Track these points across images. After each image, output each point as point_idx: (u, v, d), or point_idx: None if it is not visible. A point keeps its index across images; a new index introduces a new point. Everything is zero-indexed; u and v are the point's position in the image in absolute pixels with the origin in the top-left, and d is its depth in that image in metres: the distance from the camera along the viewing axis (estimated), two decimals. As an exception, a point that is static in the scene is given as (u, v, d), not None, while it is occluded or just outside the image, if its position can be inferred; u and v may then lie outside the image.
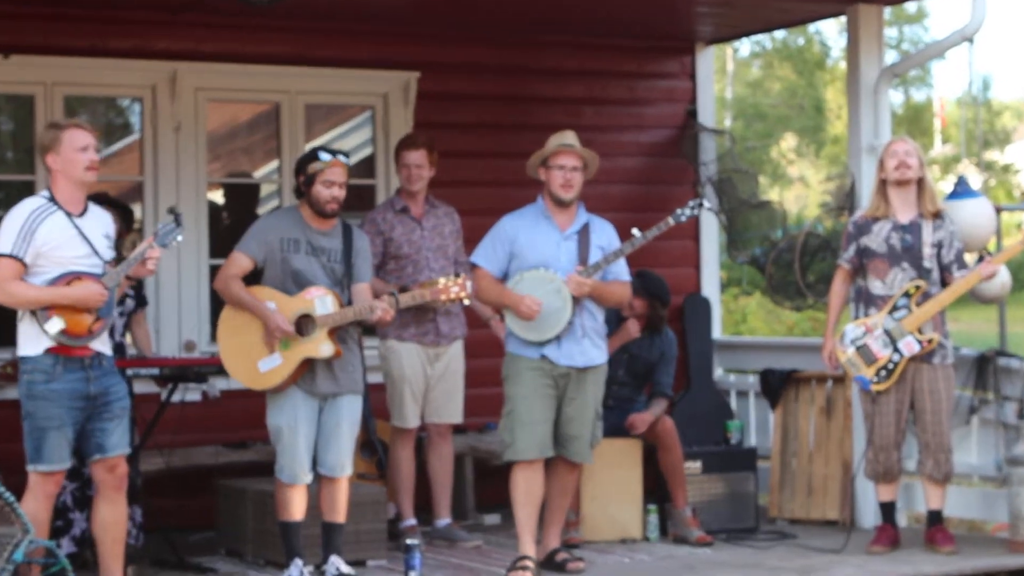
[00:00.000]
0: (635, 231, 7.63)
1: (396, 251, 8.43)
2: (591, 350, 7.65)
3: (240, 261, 7.37)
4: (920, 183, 8.21)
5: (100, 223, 6.68)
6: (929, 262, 8.11)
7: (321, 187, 7.35)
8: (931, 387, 8.12)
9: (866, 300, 8.22)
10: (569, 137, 7.74)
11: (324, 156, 7.39)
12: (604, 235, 7.74)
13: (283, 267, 7.33)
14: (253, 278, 7.46)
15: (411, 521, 8.45)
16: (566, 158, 7.65)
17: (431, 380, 8.51)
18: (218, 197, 10.06)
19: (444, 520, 8.66)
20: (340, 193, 7.37)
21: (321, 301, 7.23)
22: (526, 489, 7.58)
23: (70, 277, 6.48)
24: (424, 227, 8.54)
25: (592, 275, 7.56)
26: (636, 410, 8.75)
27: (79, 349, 6.50)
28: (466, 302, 7.40)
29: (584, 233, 7.68)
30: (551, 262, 7.59)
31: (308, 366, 7.23)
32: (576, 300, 7.53)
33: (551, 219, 7.68)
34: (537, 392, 7.56)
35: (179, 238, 6.77)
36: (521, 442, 7.56)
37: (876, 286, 8.18)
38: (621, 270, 7.74)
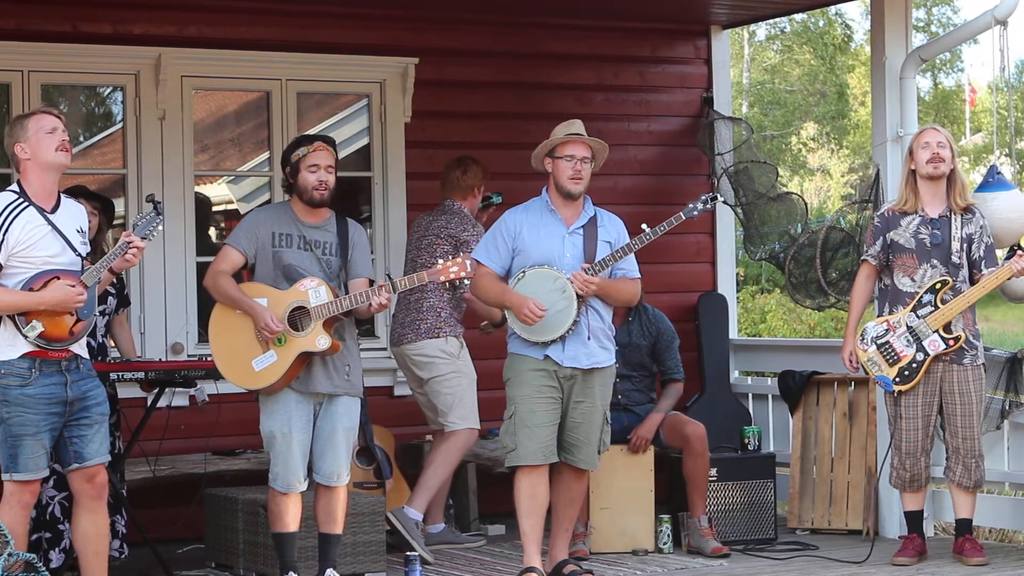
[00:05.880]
0: (645, 226, 7.62)
1: None
2: (598, 352, 7.67)
3: (230, 256, 7.39)
4: (950, 175, 8.23)
5: (73, 217, 6.67)
6: (958, 257, 8.14)
7: (306, 173, 7.37)
8: (961, 389, 8.15)
9: (892, 298, 8.25)
10: (577, 126, 7.74)
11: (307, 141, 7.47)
12: (612, 229, 7.75)
13: (275, 262, 7.34)
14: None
15: (419, 516, 8.56)
16: (575, 148, 7.65)
17: None
18: (223, 191, 10.12)
19: (438, 525, 8.83)
20: (328, 177, 7.37)
21: (315, 292, 7.24)
22: (531, 496, 7.61)
23: (47, 277, 6.45)
24: None
25: (599, 273, 7.58)
26: (648, 411, 8.80)
27: (57, 351, 6.52)
28: (467, 282, 7.40)
29: (591, 227, 7.69)
30: (556, 259, 7.59)
31: (305, 362, 7.25)
32: (581, 299, 7.55)
33: (556, 213, 7.69)
34: (541, 394, 7.59)
35: (160, 228, 6.78)
36: (524, 447, 7.59)
37: (905, 283, 8.20)
38: (630, 266, 7.75)
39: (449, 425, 8.70)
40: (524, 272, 7.58)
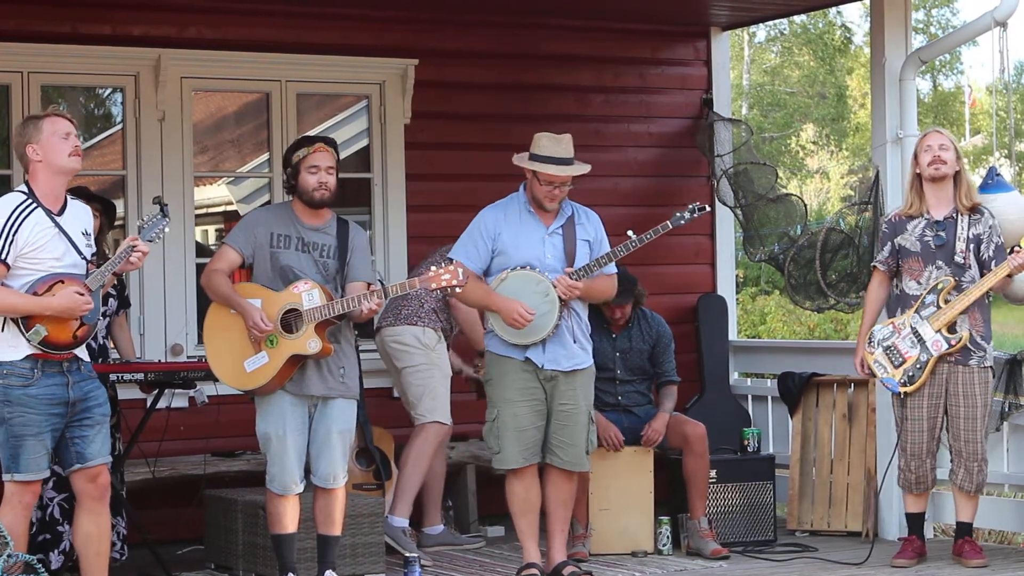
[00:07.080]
0: (631, 233, 7.63)
1: None
2: (578, 353, 7.70)
3: (227, 255, 7.39)
4: (956, 176, 8.23)
5: (79, 219, 6.66)
6: (962, 258, 8.12)
7: (306, 174, 7.36)
8: (965, 391, 8.13)
9: (902, 302, 8.25)
10: (564, 146, 7.63)
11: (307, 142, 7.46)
12: (591, 227, 7.77)
13: (272, 263, 7.34)
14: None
15: (404, 522, 8.54)
16: (555, 177, 7.61)
17: None
18: (222, 191, 10.13)
19: (437, 527, 8.83)
20: (328, 178, 7.36)
21: (308, 295, 7.23)
22: (523, 498, 7.69)
23: (52, 281, 6.44)
24: None
25: (583, 278, 7.59)
26: (647, 412, 8.82)
27: (59, 354, 6.50)
28: (458, 290, 7.40)
29: (569, 227, 7.70)
30: (537, 260, 7.61)
31: (297, 365, 7.24)
32: (564, 302, 7.57)
33: (535, 215, 7.70)
34: (525, 396, 7.62)
35: (166, 230, 6.78)
36: (508, 450, 7.64)
37: (911, 287, 8.20)
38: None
39: (418, 418, 8.71)
40: (507, 273, 7.59)
